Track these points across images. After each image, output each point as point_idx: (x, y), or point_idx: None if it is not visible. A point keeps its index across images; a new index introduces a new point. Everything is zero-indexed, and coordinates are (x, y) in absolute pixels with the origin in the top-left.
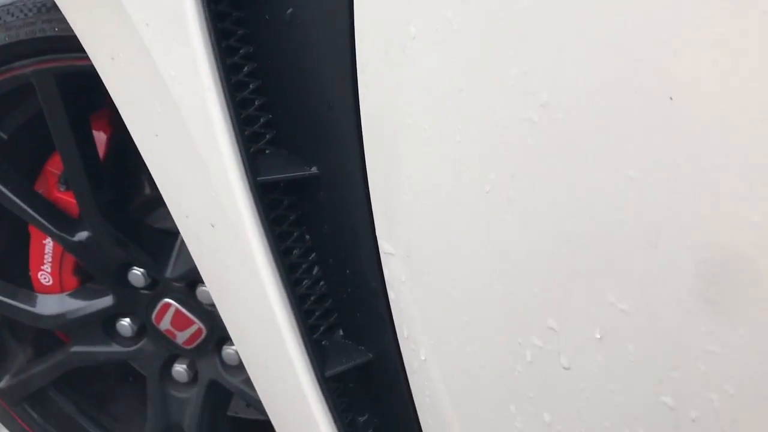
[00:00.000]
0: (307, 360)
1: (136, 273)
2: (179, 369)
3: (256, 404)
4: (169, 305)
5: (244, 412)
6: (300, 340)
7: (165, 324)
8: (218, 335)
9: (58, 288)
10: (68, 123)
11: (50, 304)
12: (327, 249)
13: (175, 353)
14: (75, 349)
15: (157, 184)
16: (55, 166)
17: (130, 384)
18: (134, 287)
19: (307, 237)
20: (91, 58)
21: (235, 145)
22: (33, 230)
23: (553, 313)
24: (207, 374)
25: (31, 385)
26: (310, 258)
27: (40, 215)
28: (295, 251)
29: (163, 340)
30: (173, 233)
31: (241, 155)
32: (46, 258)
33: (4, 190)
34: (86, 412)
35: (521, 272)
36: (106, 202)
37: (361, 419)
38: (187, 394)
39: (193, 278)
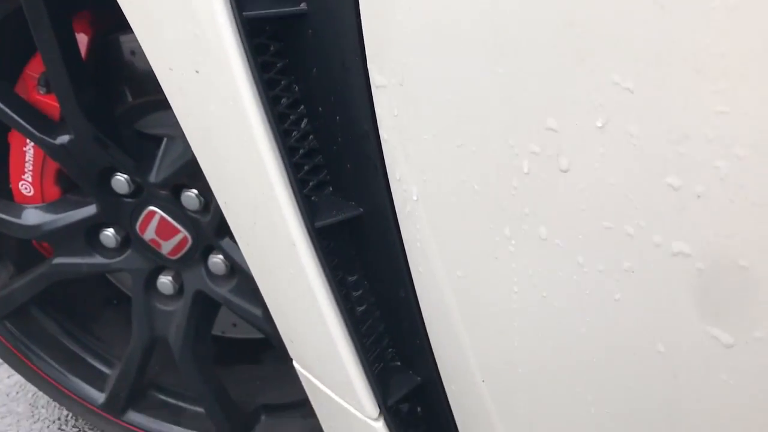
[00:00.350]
0: (297, 211)
1: (120, 179)
2: (164, 281)
3: (243, 314)
4: (153, 213)
5: (230, 331)
6: (290, 192)
7: (149, 233)
8: (204, 244)
9: (40, 199)
10: (49, 20)
11: (32, 215)
12: (316, 98)
13: (160, 264)
14: (58, 260)
15: (136, 32)
16: (34, 69)
17: (114, 307)
18: (118, 195)
19: (296, 87)
20: None
21: None
22: (13, 139)
23: (552, 110)
24: (193, 285)
25: (14, 300)
26: (299, 110)
27: (20, 117)
28: (283, 100)
29: (148, 250)
30: (158, 138)
31: None
32: (27, 167)
33: None
34: (69, 331)
35: (519, 69)
36: (88, 104)
37: (351, 279)
38: (173, 307)
39: (177, 183)
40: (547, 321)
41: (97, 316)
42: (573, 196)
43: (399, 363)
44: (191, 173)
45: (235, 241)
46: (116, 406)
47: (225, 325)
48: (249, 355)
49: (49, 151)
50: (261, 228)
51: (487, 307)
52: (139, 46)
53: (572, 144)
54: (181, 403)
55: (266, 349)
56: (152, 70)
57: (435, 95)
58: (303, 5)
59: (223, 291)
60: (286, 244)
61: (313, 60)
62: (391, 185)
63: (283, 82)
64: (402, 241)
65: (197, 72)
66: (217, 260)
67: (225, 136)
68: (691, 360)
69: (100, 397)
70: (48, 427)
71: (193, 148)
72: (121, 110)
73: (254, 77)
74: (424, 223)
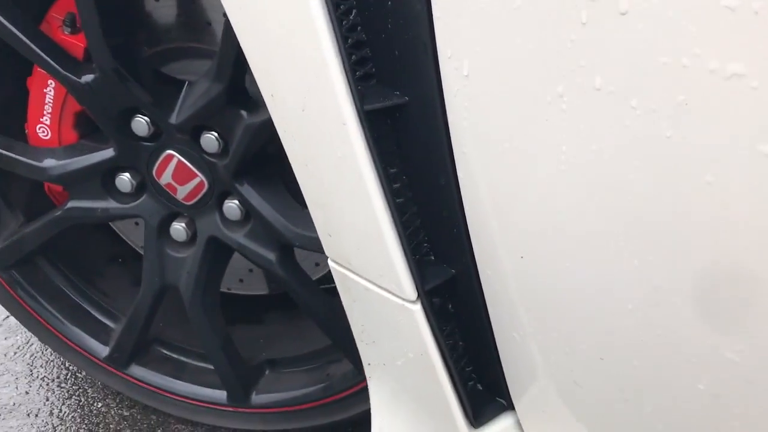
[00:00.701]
0: (349, 93)
1: (140, 120)
2: (178, 227)
3: (256, 259)
4: (171, 157)
5: (236, 287)
6: (344, 75)
7: (166, 178)
8: (220, 188)
9: (57, 142)
10: None
11: (50, 157)
12: None
13: (174, 210)
14: (72, 204)
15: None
16: (58, 10)
17: (118, 264)
18: (136, 137)
19: None
20: None
21: None
22: (33, 82)
23: None
24: (207, 231)
25: (25, 245)
26: (348, 1)
27: (47, 55)
28: None
29: (163, 195)
30: (179, 81)
31: None
32: (46, 109)
33: (13, 28)
34: (75, 284)
35: None
36: (115, 44)
37: (391, 171)
38: (185, 254)
39: (197, 125)
40: (595, 177)
41: (102, 271)
42: (631, 37)
43: (433, 257)
44: (212, 115)
45: (251, 185)
46: (120, 359)
47: (231, 282)
48: (253, 313)
49: (73, 89)
50: (310, 111)
51: (535, 174)
52: None
53: None
54: (183, 358)
55: (269, 309)
56: (175, 17)
57: None
58: None
59: (237, 236)
60: (336, 124)
61: None
62: (440, 65)
63: None
64: (447, 125)
65: None
66: (232, 205)
67: (282, 25)
68: (741, 184)
69: (104, 350)
70: (47, 384)
71: (242, 41)
72: (145, 53)
73: None
74: (474, 98)
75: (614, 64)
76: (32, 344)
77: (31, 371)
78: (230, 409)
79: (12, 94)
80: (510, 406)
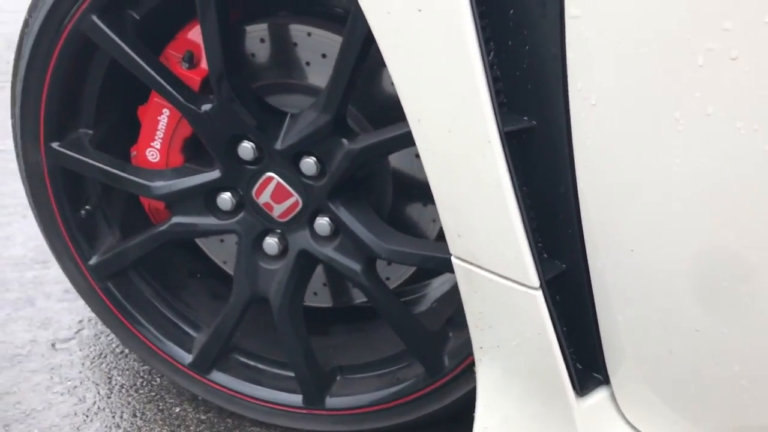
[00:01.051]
0: (494, 118)
1: (246, 146)
2: (270, 242)
3: (344, 270)
4: (271, 179)
5: (309, 300)
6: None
7: (264, 197)
8: (313, 207)
9: (164, 165)
10: (214, 5)
11: (159, 178)
12: (508, 35)
13: (268, 227)
14: (176, 220)
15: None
16: (176, 49)
17: (198, 279)
18: (241, 161)
19: (489, 29)
20: None
21: None
22: (147, 110)
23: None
24: (298, 245)
25: (127, 258)
26: (489, 46)
27: (170, 86)
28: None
29: (260, 213)
30: (282, 112)
31: None
32: (158, 135)
33: (141, 61)
34: (162, 297)
35: None
36: (233, 78)
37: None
38: (276, 266)
39: (299, 150)
40: (703, 184)
41: (185, 284)
42: (739, 76)
43: (546, 255)
44: (316, 141)
45: (342, 204)
46: (203, 365)
47: (307, 295)
48: (319, 325)
49: (191, 117)
50: (456, 132)
51: (649, 182)
52: (268, 35)
53: (742, 39)
54: (260, 365)
55: (335, 321)
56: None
57: (621, 19)
58: None
59: (326, 250)
60: (482, 142)
61: (512, 6)
62: (569, 96)
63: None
64: (571, 144)
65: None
66: (323, 222)
67: (437, 63)
68: None
69: (187, 357)
70: (126, 390)
71: (394, 77)
72: (259, 84)
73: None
74: (599, 122)
75: (724, 95)
76: (106, 356)
77: (110, 379)
78: (305, 411)
79: (117, 121)
80: (605, 381)
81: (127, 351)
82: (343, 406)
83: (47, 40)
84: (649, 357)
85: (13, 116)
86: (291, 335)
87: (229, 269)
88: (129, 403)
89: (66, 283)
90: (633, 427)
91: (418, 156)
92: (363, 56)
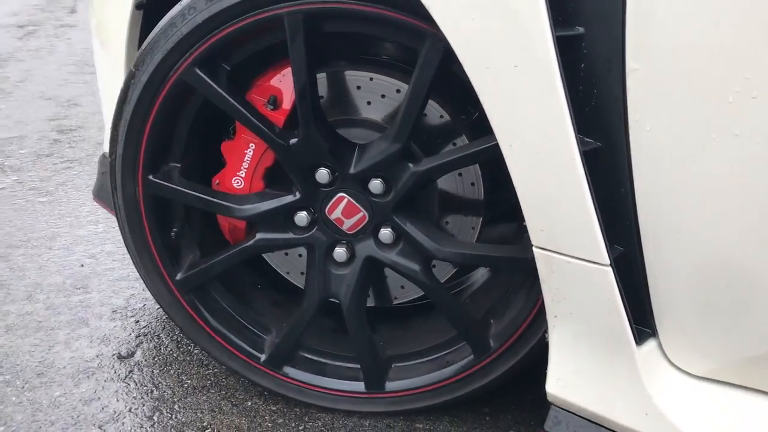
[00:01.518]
0: (575, 141)
1: (323, 172)
2: (340, 251)
3: (405, 271)
4: (343, 198)
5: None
6: (575, 132)
7: (336, 214)
8: (378, 220)
9: (248, 190)
10: (305, 53)
11: (246, 202)
12: (578, 82)
13: (338, 238)
14: (261, 236)
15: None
16: (259, 94)
17: (259, 289)
18: (318, 184)
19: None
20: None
21: None
22: (234, 145)
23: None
24: (364, 252)
25: (213, 271)
26: None
27: (263, 126)
28: None
29: (331, 227)
30: (353, 142)
31: None
32: (243, 165)
33: (237, 104)
34: (235, 305)
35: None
36: (317, 115)
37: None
38: (345, 271)
39: (369, 174)
40: (729, 188)
41: (249, 294)
42: (758, 109)
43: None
44: (387, 166)
45: (404, 216)
46: (276, 361)
47: None
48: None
49: (280, 150)
50: (544, 153)
51: (698, 182)
52: (337, 80)
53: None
54: (322, 359)
55: (379, 320)
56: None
57: (670, 71)
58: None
59: (390, 255)
60: (567, 160)
61: (584, 62)
62: (629, 123)
63: None
64: (630, 158)
65: (515, 66)
66: (386, 232)
67: (528, 99)
68: None
69: (261, 355)
70: (199, 391)
71: (488, 111)
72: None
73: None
74: (653, 142)
75: (748, 120)
76: (171, 363)
77: (181, 383)
78: (366, 396)
79: (196, 156)
80: (654, 333)
81: (189, 358)
82: (401, 388)
83: (153, 89)
84: (687, 313)
85: (112, 153)
86: (358, 329)
87: (291, 279)
88: (205, 401)
89: (111, 305)
90: (674, 366)
91: (461, 174)
92: (427, 98)
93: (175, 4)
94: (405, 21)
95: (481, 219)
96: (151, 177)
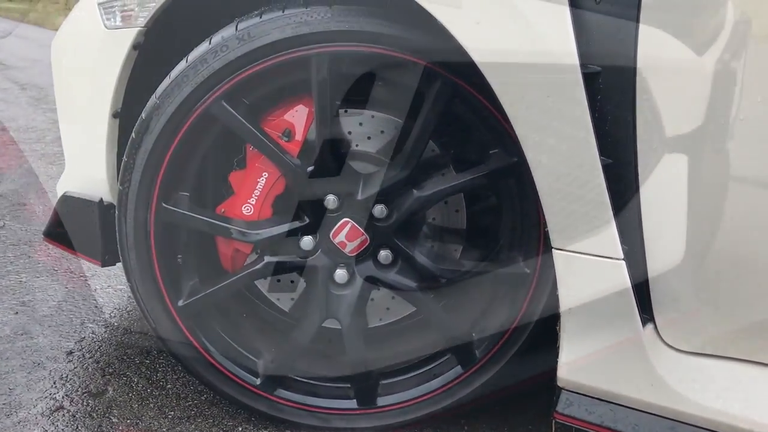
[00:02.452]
0: (598, 159)
1: (331, 198)
2: (341, 272)
3: (403, 288)
4: (347, 223)
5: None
6: (597, 149)
7: (340, 238)
8: (378, 242)
9: (257, 217)
10: (328, 92)
11: (257, 227)
12: (602, 121)
13: (339, 261)
14: (269, 259)
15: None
16: (274, 127)
17: (244, 318)
18: (325, 209)
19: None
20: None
21: None
22: (247, 174)
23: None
24: (364, 272)
25: (218, 297)
26: None
27: (282, 154)
28: None
29: (333, 250)
30: (358, 171)
31: None
32: (255, 193)
33: (260, 135)
34: (229, 332)
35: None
36: (331, 146)
37: None
38: (345, 292)
39: (374, 200)
40: (721, 195)
41: (238, 321)
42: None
43: None
44: (392, 192)
45: (402, 237)
46: (270, 384)
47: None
48: None
49: (295, 177)
50: (573, 173)
51: (691, 191)
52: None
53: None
54: (312, 381)
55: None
56: (350, 130)
57: (675, 102)
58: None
59: (388, 274)
60: (591, 170)
61: (600, 95)
62: (638, 144)
63: None
64: (637, 172)
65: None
66: (385, 253)
67: (560, 127)
68: None
69: (255, 379)
70: (189, 419)
71: (520, 136)
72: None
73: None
74: (658, 159)
75: (742, 144)
76: (155, 397)
77: (165, 415)
78: (359, 412)
79: (205, 186)
80: (651, 318)
81: (164, 392)
82: (391, 402)
83: (177, 120)
84: (680, 300)
85: (125, 182)
86: (357, 347)
87: (280, 305)
88: (195, 430)
89: (63, 348)
90: (667, 344)
91: (446, 202)
92: (433, 132)
93: (173, 45)
94: (421, 65)
95: (462, 243)
96: (164, 204)
